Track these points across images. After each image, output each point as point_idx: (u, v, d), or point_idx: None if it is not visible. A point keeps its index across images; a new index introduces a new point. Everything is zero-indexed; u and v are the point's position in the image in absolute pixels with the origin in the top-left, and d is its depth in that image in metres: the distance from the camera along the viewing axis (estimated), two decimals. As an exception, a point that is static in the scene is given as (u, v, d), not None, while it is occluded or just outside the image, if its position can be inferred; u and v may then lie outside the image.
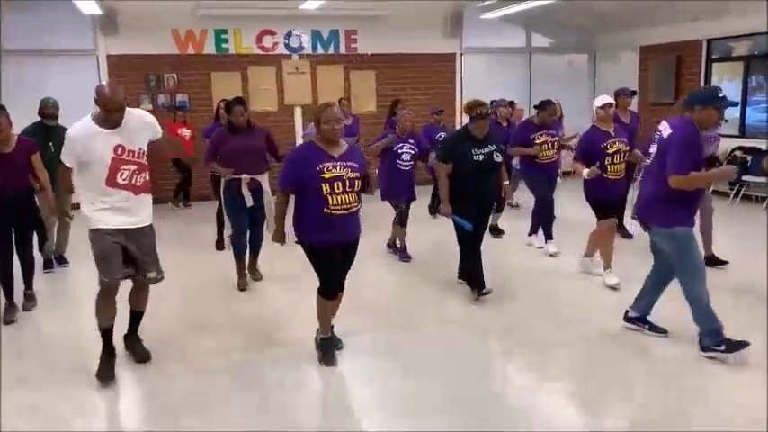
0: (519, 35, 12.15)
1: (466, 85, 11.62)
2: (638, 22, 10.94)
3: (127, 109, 3.66)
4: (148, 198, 3.88)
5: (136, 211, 3.79)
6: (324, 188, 3.70)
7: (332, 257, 3.90)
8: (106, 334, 3.90)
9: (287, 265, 5.53)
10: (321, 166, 3.72)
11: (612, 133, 5.41)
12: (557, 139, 6.63)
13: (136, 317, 4.19)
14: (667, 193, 3.90)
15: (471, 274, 5.25)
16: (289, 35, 10.71)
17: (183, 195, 9.87)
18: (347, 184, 3.75)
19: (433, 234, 7.22)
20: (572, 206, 7.99)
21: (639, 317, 4.43)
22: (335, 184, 3.71)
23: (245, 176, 5.38)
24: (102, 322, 3.88)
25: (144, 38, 9.93)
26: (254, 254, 5.83)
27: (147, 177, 3.83)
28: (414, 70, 11.22)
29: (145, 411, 3.64)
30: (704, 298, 3.95)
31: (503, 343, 4.47)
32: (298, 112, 10.94)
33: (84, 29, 9.78)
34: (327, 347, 4.09)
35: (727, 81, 10.10)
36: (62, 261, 6.45)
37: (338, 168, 3.74)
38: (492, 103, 9.40)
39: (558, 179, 7.64)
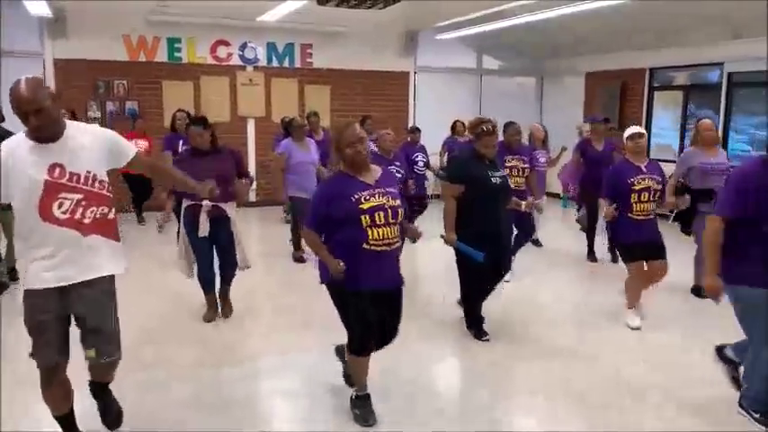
0: (471, 57, 12.44)
1: (419, 104, 11.81)
2: (585, 49, 11.34)
3: (72, 122, 2.88)
4: (108, 243, 2.89)
5: (81, 260, 2.79)
6: (363, 220, 3.15)
7: (367, 305, 3.27)
8: (63, 420, 3.07)
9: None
10: (357, 196, 3.17)
11: (644, 168, 4.83)
12: (528, 166, 6.28)
13: (98, 390, 3.15)
14: (729, 239, 3.30)
15: (473, 316, 4.80)
16: (244, 46, 10.67)
17: (139, 208, 9.26)
18: (390, 214, 3.20)
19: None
20: (542, 232, 8.17)
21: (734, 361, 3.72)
22: (377, 214, 3.17)
23: (206, 203, 4.74)
24: (53, 410, 3.03)
25: (94, 43, 9.73)
26: (225, 282, 5.16)
27: (109, 215, 2.88)
28: (368, 87, 11.32)
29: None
30: (764, 369, 3.33)
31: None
32: (251, 124, 10.89)
33: (31, 30, 9.52)
34: (364, 405, 3.53)
35: (662, 108, 10.61)
36: (15, 277, 5.69)
37: (377, 196, 3.20)
38: (460, 122, 9.57)
39: (543, 203, 7.67)
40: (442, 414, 3.63)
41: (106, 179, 2.86)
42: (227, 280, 5.18)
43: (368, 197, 3.19)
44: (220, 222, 4.90)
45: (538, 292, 6.05)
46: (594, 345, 4.70)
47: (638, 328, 4.94)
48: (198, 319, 5.10)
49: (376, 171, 3.34)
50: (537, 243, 7.96)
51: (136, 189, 9.07)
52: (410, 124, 11.21)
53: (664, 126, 10.72)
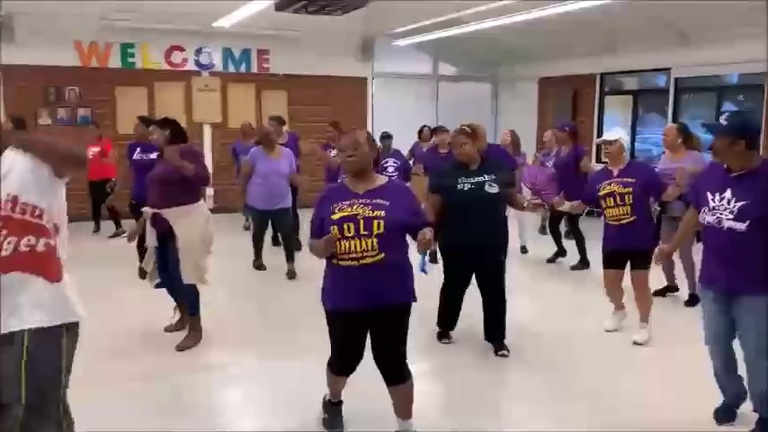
0: (427, 63, 12.62)
1: (376, 109, 11.87)
2: (538, 56, 11.59)
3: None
4: (38, 284, 2.26)
5: None
6: (332, 232, 2.91)
7: (342, 325, 3.10)
8: None
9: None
10: (336, 205, 2.97)
11: (615, 173, 4.77)
12: None
13: None
14: None
15: (444, 317, 4.79)
16: (199, 52, 10.56)
17: (97, 216, 8.90)
18: (361, 225, 2.89)
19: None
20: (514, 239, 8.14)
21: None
22: (345, 225, 2.90)
23: (146, 210, 4.45)
24: None
25: (44, 48, 9.44)
26: (188, 312, 4.69)
27: (38, 247, 2.26)
28: (326, 92, 11.29)
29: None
30: (714, 364, 3.51)
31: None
32: (207, 130, 10.78)
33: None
34: (335, 411, 3.48)
35: (614, 113, 10.91)
36: None
37: (355, 206, 2.93)
38: (427, 128, 9.62)
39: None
40: (426, 416, 3.60)
41: (36, 203, 2.27)
42: (186, 308, 4.71)
43: (344, 206, 2.95)
44: (165, 237, 4.46)
45: (517, 296, 6.03)
46: (581, 347, 4.75)
47: (612, 330, 5.03)
48: (164, 326, 5.01)
49: (377, 180, 3.10)
50: (523, 250, 7.81)
51: (97, 196, 8.62)
52: (368, 130, 11.26)
53: (615, 130, 11.00)
